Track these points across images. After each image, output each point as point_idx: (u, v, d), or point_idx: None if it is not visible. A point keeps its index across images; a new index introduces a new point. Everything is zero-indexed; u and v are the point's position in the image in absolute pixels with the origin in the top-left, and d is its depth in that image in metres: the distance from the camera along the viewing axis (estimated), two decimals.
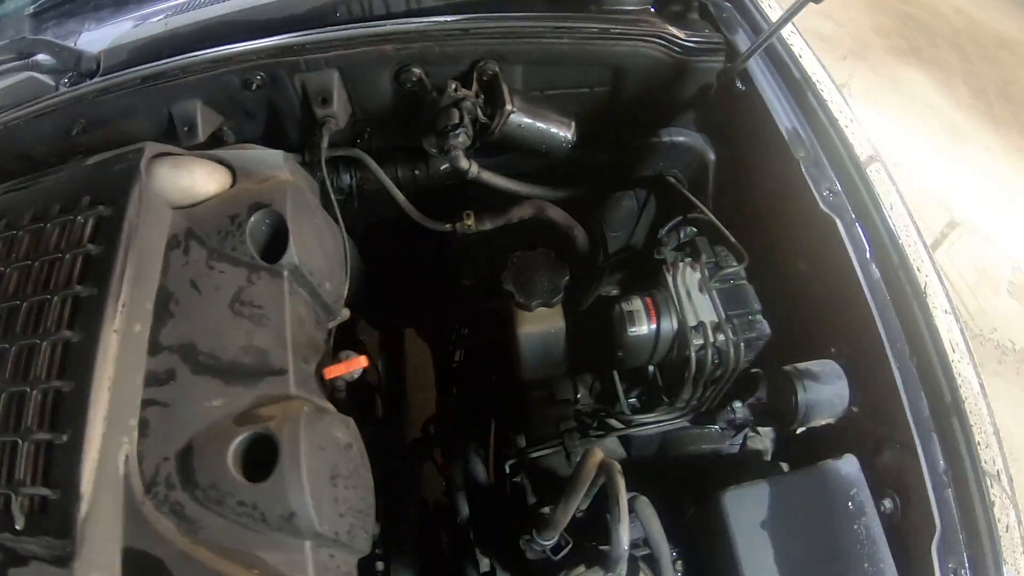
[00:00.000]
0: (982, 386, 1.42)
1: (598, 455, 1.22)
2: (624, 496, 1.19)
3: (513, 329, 1.49)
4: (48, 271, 1.22)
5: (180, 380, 1.19)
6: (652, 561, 1.36)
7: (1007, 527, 1.30)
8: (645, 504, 1.33)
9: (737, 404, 1.58)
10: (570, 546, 1.34)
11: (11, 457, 1.11)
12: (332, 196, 1.52)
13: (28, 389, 1.14)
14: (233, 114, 1.64)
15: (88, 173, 1.37)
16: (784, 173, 1.60)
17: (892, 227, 1.50)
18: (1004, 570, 1.32)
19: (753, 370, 1.57)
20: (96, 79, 1.66)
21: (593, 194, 1.79)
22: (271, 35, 1.53)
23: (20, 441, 1.11)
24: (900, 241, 1.48)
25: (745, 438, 1.62)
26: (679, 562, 1.46)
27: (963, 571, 1.35)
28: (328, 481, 1.19)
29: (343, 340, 1.63)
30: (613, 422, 1.55)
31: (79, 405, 1.12)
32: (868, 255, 1.50)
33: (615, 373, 1.59)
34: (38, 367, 1.15)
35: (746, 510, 1.35)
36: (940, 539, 1.32)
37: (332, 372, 1.22)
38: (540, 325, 1.50)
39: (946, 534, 1.33)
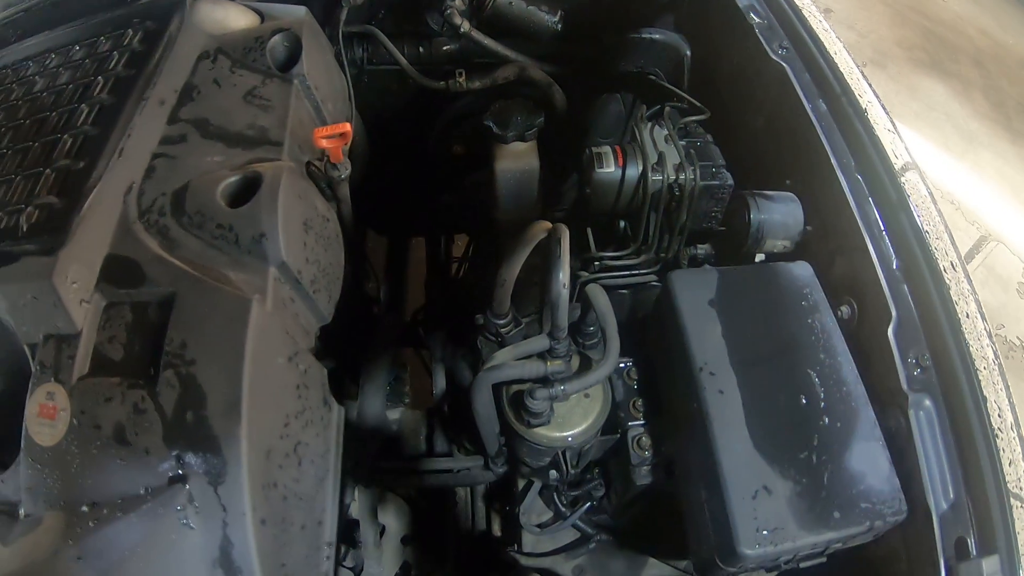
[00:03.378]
0: (930, 193, 1.33)
1: (546, 223, 1.18)
2: (567, 253, 1.11)
3: (491, 166, 1.38)
4: (99, 64, 1.33)
5: (190, 142, 1.26)
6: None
7: (967, 315, 1.09)
8: (595, 286, 1.27)
9: (701, 245, 1.52)
10: (523, 325, 1.29)
11: (35, 181, 1.16)
12: (345, 66, 1.58)
13: (62, 135, 1.21)
14: None
15: (141, 7, 1.49)
16: (743, 43, 1.60)
17: (836, 65, 1.46)
18: (971, 353, 1.18)
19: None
20: None
21: (578, 86, 1.73)
22: None
23: (44, 169, 1.17)
24: (843, 75, 1.44)
25: None
26: (633, 369, 1.39)
27: (925, 358, 1.22)
28: (300, 225, 1.23)
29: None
30: (584, 274, 1.48)
31: (99, 145, 1.17)
32: (816, 93, 1.46)
33: (588, 229, 1.54)
34: (76, 119, 1.23)
35: (694, 289, 1.25)
36: (897, 325, 1.20)
37: (321, 131, 1.23)
38: (515, 162, 1.53)
39: (903, 322, 1.26)
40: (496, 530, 1.71)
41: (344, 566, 1.54)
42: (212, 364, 1.00)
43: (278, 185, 1.13)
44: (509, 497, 1.59)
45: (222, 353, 1.00)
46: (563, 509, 1.48)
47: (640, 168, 1.45)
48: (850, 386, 1.18)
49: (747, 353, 1.19)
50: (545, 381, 1.15)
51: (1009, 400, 1.17)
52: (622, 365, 1.35)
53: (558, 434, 1.22)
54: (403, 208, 2.04)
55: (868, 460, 1.13)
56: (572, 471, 1.28)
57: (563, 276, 1.10)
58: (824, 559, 1.12)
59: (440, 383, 1.70)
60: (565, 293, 1.11)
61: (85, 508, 0.95)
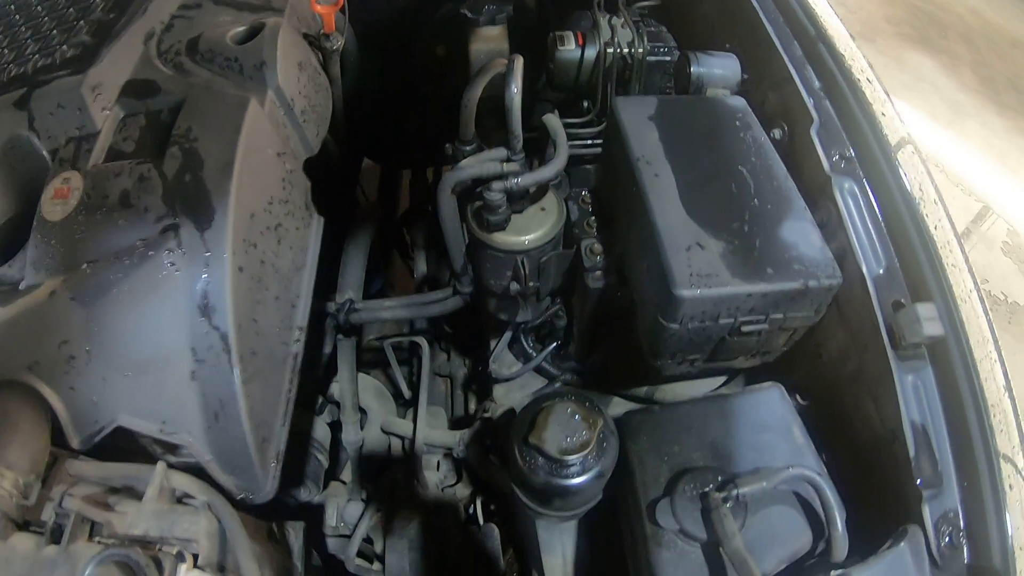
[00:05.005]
0: (850, 34, 1.39)
1: (503, 59, 1.25)
2: (520, 70, 1.19)
3: (466, 49, 1.45)
4: None
5: (204, 8, 1.39)
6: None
7: (883, 114, 1.12)
8: (550, 115, 1.32)
9: None
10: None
11: (69, 31, 1.29)
12: None
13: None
14: None
15: None
16: None
17: None
18: (895, 156, 1.20)
19: None
20: None
21: None
22: None
23: (77, 22, 1.31)
24: None
25: None
26: (587, 195, 1.43)
27: (847, 151, 1.22)
28: (295, 63, 1.40)
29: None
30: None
31: (126, 4, 1.33)
32: None
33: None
34: None
35: (635, 108, 1.31)
36: (818, 126, 1.18)
37: None
38: (487, 44, 1.60)
39: (824, 124, 1.20)
40: (472, 410, 1.70)
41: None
42: (212, 138, 1.13)
43: (278, 30, 1.28)
44: (482, 359, 1.59)
45: (222, 130, 1.14)
46: (530, 351, 1.49)
47: (598, 47, 1.52)
48: (780, 181, 1.23)
49: (681, 152, 1.27)
50: (502, 177, 1.18)
51: (930, 177, 1.17)
52: (583, 192, 1.37)
53: (516, 238, 1.26)
54: (395, 138, 2.11)
55: (799, 233, 1.16)
56: (531, 284, 1.30)
57: (515, 85, 1.18)
58: (766, 325, 1.10)
59: (421, 267, 1.72)
60: (518, 98, 1.19)
61: (85, 267, 1.03)
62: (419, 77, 2.03)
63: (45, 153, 1.19)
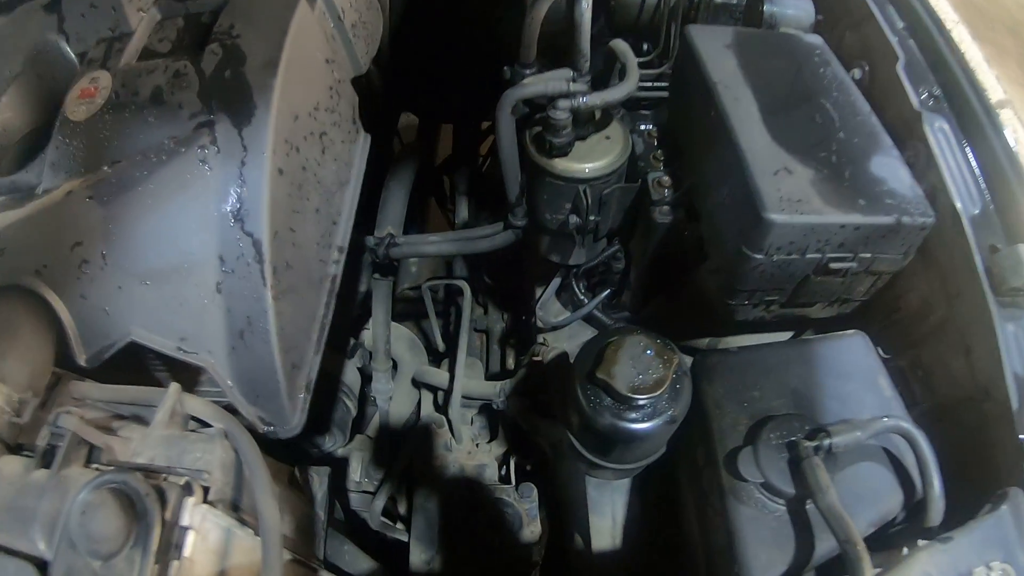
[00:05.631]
0: None
1: None
2: None
3: None
4: None
5: None
6: None
7: (971, 57, 1.02)
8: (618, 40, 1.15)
9: None
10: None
11: None
12: None
13: None
14: None
15: None
16: None
17: None
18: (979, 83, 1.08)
19: None
20: None
21: None
22: None
23: None
24: None
25: None
26: (654, 129, 1.27)
27: (935, 89, 1.10)
28: None
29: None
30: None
31: None
32: None
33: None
34: None
35: (711, 36, 1.15)
36: (905, 63, 1.14)
37: None
38: None
39: (911, 62, 1.12)
40: (511, 365, 1.55)
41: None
42: (256, 35, 0.96)
43: None
44: (524, 311, 1.44)
45: (267, 27, 0.97)
46: (581, 297, 1.33)
47: None
48: (864, 116, 1.08)
49: (760, 81, 1.11)
50: (568, 96, 1.04)
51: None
52: (648, 127, 1.25)
53: (578, 165, 1.10)
54: (437, 88, 1.95)
55: (889, 169, 1.01)
56: (592, 219, 1.14)
57: (585, 2, 1.01)
58: (854, 264, 0.95)
59: (463, 213, 1.58)
60: (587, 14, 1.06)
61: (106, 167, 0.88)
62: (468, 24, 1.81)
63: (74, 57, 1.04)
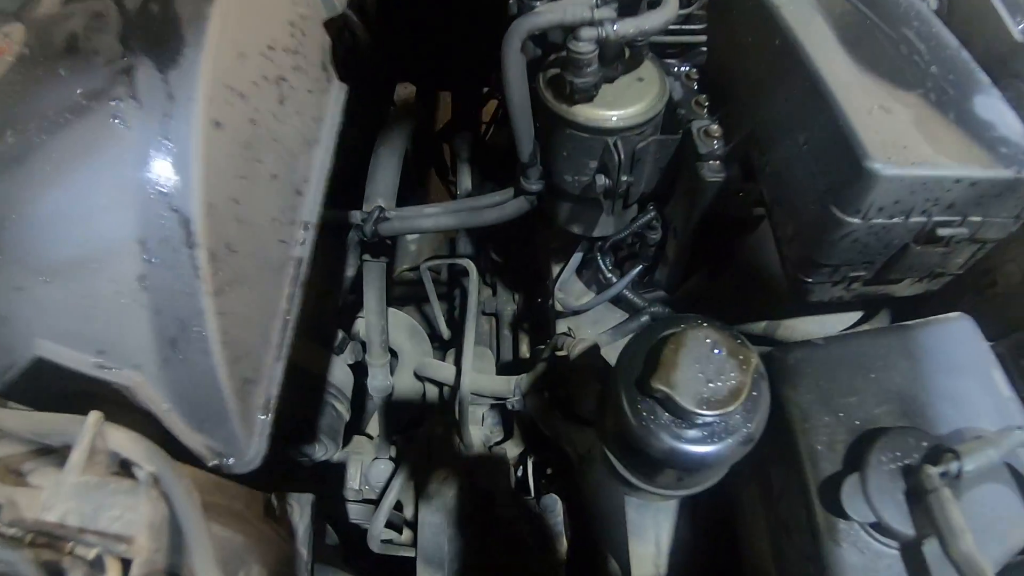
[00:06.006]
0: None
1: None
2: None
3: None
4: None
5: None
6: None
7: None
8: None
9: None
10: None
11: None
12: None
13: None
14: None
15: None
16: None
17: None
18: None
19: None
20: None
21: None
22: None
23: None
24: None
25: None
26: (693, 71, 1.01)
27: None
28: None
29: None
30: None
31: None
32: None
33: None
34: None
35: None
36: None
37: None
38: None
39: None
40: (525, 353, 1.33)
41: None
42: None
43: None
44: (540, 291, 1.21)
45: None
46: (608, 275, 1.10)
47: None
48: (953, 49, 0.82)
49: (829, 4, 0.83)
50: (593, 24, 0.79)
51: None
52: (686, 68, 0.99)
53: (606, 112, 0.86)
54: (431, 56, 1.70)
55: (995, 112, 0.77)
56: (624, 179, 0.90)
57: None
58: (964, 229, 0.72)
59: (465, 183, 1.34)
60: None
61: (8, 134, 0.65)
62: None
63: None
